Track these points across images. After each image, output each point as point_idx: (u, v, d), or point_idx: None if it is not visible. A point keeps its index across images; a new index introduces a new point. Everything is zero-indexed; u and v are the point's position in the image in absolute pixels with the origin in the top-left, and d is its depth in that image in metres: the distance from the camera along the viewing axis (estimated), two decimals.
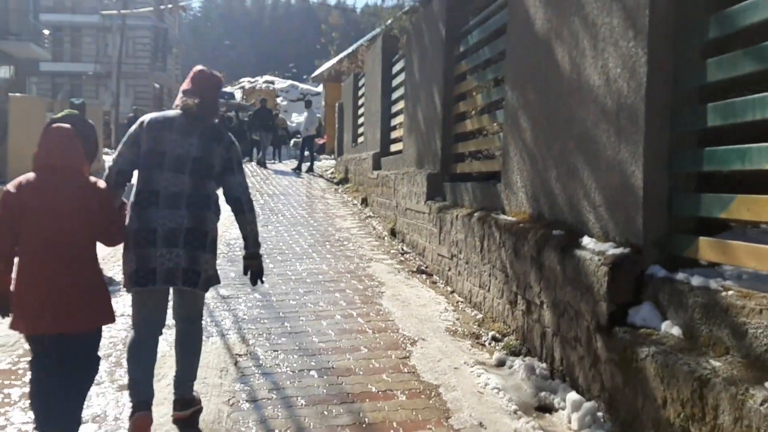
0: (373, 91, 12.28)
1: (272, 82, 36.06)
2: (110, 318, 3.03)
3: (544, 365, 4.03)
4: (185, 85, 3.43)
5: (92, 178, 3.05)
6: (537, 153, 4.68)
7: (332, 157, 20.77)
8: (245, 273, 3.41)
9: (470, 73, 6.77)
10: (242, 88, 34.87)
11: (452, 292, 6.07)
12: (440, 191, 7.26)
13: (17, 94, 9.09)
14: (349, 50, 19.65)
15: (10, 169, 8.74)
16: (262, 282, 3.48)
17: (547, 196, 4.50)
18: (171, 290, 3.28)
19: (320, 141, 23.35)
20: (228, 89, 32.98)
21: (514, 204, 5.08)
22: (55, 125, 3.10)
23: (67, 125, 3.11)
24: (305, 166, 16.92)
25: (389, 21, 11.62)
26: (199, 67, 3.51)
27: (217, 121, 3.51)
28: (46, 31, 30.92)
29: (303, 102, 18.03)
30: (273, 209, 11.07)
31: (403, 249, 8.02)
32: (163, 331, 3.32)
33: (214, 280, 3.33)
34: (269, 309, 5.33)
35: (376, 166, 11.40)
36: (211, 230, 3.24)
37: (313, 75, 25.55)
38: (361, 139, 14.18)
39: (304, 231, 9.20)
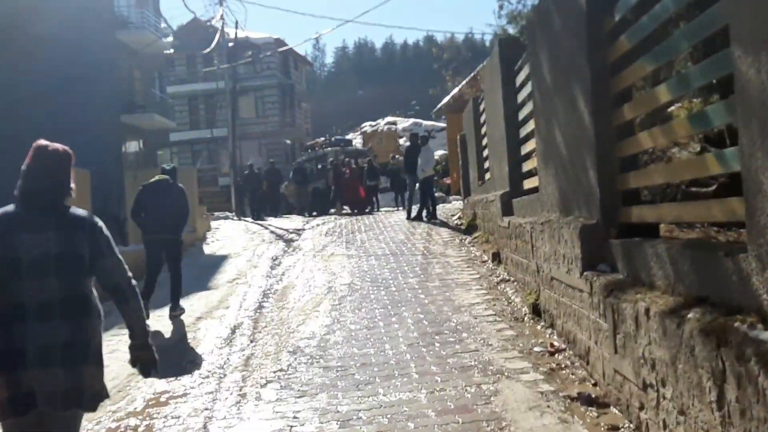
0: (494, 114, 9.59)
1: (394, 123, 34.18)
2: None
3: None
4: (24, 165, 2.91)
5: None
6: None
7: (461, 198, 18.14)
8: (134, 365, 3.01)
9: (637, 51, 3.92)
10: (363, 133, 33.29)
11: None
12: (605, 254, 4.39)
13: None
14: (470, 76, 17.13)
15: None
16: (157, 372, 3.05)
17: None
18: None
19: (447, 181, 20.82)
20: (348, 136, 31.60)
21: None
22: None
23: None
24: (423, 211, 14.40)
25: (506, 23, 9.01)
26: (39, 143, 2.97)
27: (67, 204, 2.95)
28: (170, 100, 31.32)
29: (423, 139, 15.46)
30: (375, 279, 8.58)
31: (552, 345, 5.16)
32: None
33: (103, 395, 2.88)
34: None
35: (507, 210, 8.62)
36: (93, 338, 2.82)
37: (434, 109, 23.24)
38: (487, 176, 11.46)
39: (409, 314, 6.60)
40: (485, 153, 11.69)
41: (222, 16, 22.66)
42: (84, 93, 22.54)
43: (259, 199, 19.85)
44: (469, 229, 12.14)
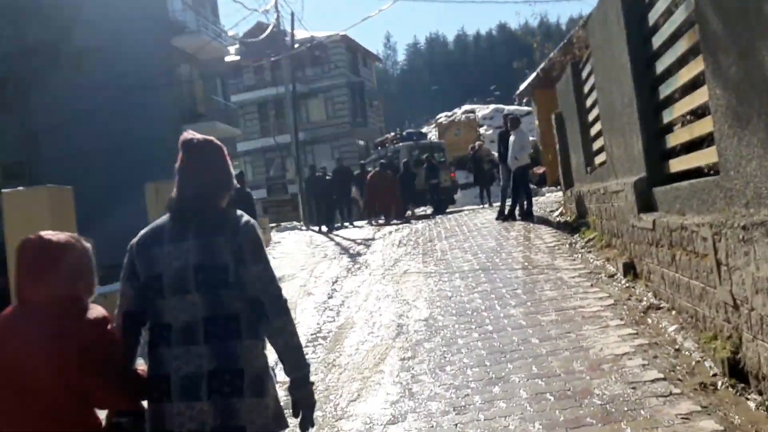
0: (611, 74, 7.04)
1: (472, 111, 31.34)
2: None
3: None
4: (177, 165, 2.51)
5: (90, 307, 2.28)
6: None
7: (558, 189, 15.46)
8: (295, 415, 2.43)
9: None
10: (439, 124, 30.71)
11: None
12: None
13: (12, 189, 5.58)
14: (562, 43, 14.43)
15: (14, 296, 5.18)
16: (312, 425, 2.44)
17: None
18: None
19: (539, 170, 18.10)
20: (423, 130, 29.18)
21: None
22: (26, 237, 2.29)
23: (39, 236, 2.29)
24: (515, 208, 11.86)
25: None
26: (185, 136, 2.53)
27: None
28: (234, 107, 29.97)
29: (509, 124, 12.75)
30: (463, 310, 6.22)
31: None
32: None
33: (270, 427, 2.35)
34: None
35: (645, 204, 6.06)
36: (249, 365, 2.31)
37: (518, 90, 20.51)
38: (599, 159, 8.88)
39: (520, 379, 4.20)
40: (594, 130, 9.12)
41: (276, 5, 20.85)
42: (141, 105, 21.33)
43: (328, 206, 17.52)
44: (577, 226, 9.61)
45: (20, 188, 5.73)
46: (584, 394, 3.82)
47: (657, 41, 5.67)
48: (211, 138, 2.58)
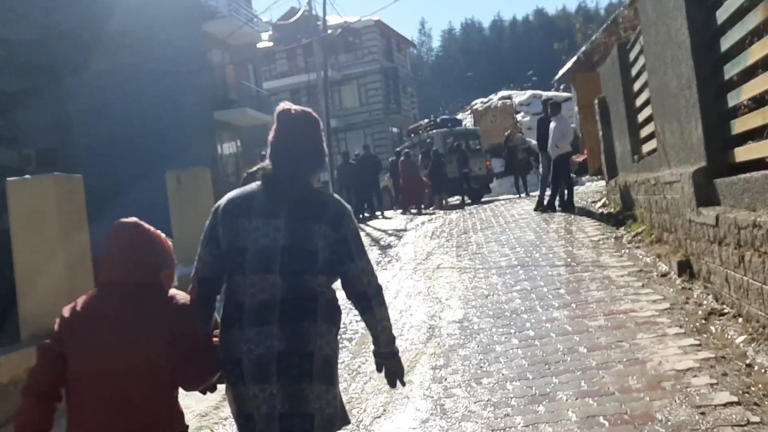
0: (667, 51, 6.41)
1: (509, 97, 30.51)
2: None
3: None
4: (270, 135, 2.44)
5: (173, 293, 2.29)
6: None
7: (599, 178, 14.77)
8: (379, 370, 2.53)
9: None
10: (474, 111, 29.96)
11: None
12: None
13: (17, 178, 5.23)
14: (606, 23, 13.67)
15: (20, 290, 4.94)
16: (403, 384, 2.57)
17: None
18: None
19: (578, 158, 17.36)
20: (458, 116, 28.43)
21: None
22: (120, 221, 2.31)
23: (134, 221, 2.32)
24: (555, 198, 11.26)
25: None
26: (282, 107, 2.44)
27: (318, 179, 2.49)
28: (266, 93, 29.65)
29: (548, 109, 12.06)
30: (501, 311, 5.71)
31: None
32: None
33: (337, 420, 2.30)
34: None
35: (705, 197, 5.46)
36: (319, 348, 2.24)
37: (557, 75, 19.72)
38: (649, 146, 8.26)
39: (569, 398, 3.69)
40: (642, 115, 8.48)
41: None
42: (173, 91, 21.17)
43: (358, 195, 17.09)
44: (621, 219, 9.01)
45: (26, 177, 5.41)
46: (644, 418, 3.31)
47: (722, 15, 5.06)
48: (309, 110, 2.47)
